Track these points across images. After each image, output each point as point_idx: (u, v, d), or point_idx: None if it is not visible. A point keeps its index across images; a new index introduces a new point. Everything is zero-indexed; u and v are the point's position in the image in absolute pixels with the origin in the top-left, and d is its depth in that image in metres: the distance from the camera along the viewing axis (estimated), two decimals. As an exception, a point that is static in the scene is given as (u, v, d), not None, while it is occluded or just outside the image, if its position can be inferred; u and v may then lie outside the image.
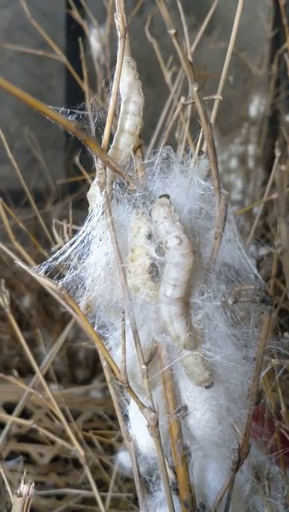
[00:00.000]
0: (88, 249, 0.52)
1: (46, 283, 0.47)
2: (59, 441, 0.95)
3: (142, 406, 0.52)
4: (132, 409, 0.57)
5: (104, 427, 1.41)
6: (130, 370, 0.54)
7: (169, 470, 0.54)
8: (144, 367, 0.52)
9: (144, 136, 0.54)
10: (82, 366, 1.79)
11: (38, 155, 1.94)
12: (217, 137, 2.16)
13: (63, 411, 1.17)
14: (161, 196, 0.48)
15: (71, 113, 0.48)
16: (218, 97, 0.59)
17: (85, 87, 1.09)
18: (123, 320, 0.51)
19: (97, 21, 1.39)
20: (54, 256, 0.50)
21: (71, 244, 0.50)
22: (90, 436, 1.30)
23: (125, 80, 0.52)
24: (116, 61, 0.50)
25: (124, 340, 0.51)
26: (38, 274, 0.48)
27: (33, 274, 0.49)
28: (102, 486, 1.17)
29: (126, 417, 0.59)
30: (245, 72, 2.26)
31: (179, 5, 0.87)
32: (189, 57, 0.97)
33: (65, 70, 2.13)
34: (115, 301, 0.53)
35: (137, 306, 0.52)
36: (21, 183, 1.24)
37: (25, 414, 1.35)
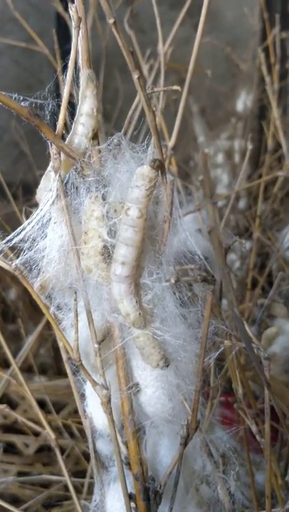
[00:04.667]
0: (43, 232, 0.53)
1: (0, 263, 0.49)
2: (39, 430, 0.97)
3: (94, 383, 0.54)
4: (88, 388, 0.60)
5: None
6: (84, 350, 0.56)
7: (121, 445, 0.56)
8: (96, 346, 0.54)
9: (118, 128, 0.56)
10: (68, 358, 1.79)
11: (25, 148, 1.95)
12: (204, 132, 2.18)
13: (43, 401, 1.18)
14: (152, 162, 0.48)
15: (24, 100, 0.50)
16: (176, 87, 0.61)
17: (60, 78, 1.11)
18: (75, 300, 0.53)
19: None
20: (8, 238, 0.51)
21: (24, 228, 0.52)
22: (70, 426, 1.31)
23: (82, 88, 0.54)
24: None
25: (77, 320, 0.53)
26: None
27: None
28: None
29: (83, 396, 0.61)
30: (235, 67, 2.28)
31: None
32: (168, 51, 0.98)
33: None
34: (70, 282, 0.55)
35: (91, 287, 0.54)
36: (9, 175, 1.25)
37: (11, 406, 1.37)
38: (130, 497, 0.55)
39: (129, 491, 0.55)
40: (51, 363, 1.74)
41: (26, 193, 1.84)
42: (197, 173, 2.07)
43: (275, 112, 1.07)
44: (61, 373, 1.73)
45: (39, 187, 0.54)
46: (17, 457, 1.33)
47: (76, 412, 1.51)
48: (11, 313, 1.81)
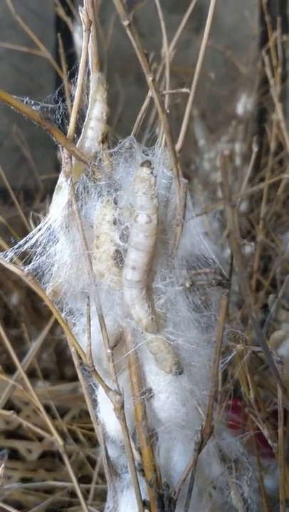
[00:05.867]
0: (54, 237, 0.53)
1: (12, 269, 0.49)
2: (44, 435, 0.96)
3: (107, 389, 0.53)
4: (100, 393, 0.59)
5: (92, 423, 1.42)
6: (97, 355, 0.55)
7: (135, 451, 0.55)
8: (109, 351, 0.53)
9: (119, 131, 0.55)
10: (71, 363, 1.79)
11: (26, 153, 1.95)
12: (204, 135, 2.18)
13: (47, 406, 1.17)
14: (142, 164, 0.48)
15: (35, 104, 0.49)
16: (185, 90, 0.60)
17: (65, 82, 1.10)
18: (88, 305, 0.52)
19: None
20: (20, 243, 0.51)
21: (34, 234, 0.51)
22: (75, 431, 1.30)
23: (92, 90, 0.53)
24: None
25: (90, 325, 0.53)
26: (3, 260, 0.50)
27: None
28: (90, 480, 1.18)
29: (95, 402, 0.60)
30: (235, 70, 2.28)
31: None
32: (171, 54, 0.98)
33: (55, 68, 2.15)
34: (82, 287, 0.54)
35: (103, 292, 0.53)
36: (10, 180, 1.25)
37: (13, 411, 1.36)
38: (144, 504, 0.55)
39: (142, 498, 0.55)
40: (53, 367, 1.74)
41: (27, 198, 1.84)
42: (198, 176, 2.07)
43: (279, 114, 1.07)
44: (64, 378, 1.73)
45: (51, 204, 0.53)
46: (20, 463, 1.32)
47: (80, 416, 1.51)
48: (13, 319, 1.80)
